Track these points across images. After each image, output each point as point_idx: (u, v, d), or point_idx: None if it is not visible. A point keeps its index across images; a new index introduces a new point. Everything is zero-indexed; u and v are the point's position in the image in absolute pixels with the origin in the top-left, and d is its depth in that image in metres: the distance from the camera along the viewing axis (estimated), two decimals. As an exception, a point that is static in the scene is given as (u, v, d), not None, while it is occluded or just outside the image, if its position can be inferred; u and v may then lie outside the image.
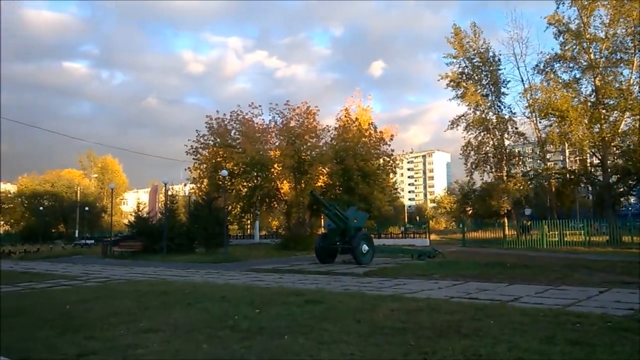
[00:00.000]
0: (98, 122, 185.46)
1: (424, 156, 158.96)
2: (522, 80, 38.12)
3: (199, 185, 38.16)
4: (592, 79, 33.37)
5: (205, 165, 37.03)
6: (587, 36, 33.02)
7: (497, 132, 39.05)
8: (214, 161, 36.11)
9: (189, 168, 38.66)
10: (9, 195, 72.84)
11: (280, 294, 9.40)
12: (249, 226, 50.32)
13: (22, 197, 70.06)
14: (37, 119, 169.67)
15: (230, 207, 34.70)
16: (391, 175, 42.99)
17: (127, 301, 8.89)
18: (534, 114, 36.66)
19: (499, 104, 39.45)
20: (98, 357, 4.99)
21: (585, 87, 34.71)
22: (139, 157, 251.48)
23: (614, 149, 33.93)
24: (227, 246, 26.89)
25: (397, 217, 69.90)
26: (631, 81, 32.57)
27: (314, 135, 35.90)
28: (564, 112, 31.78)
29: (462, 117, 39.25)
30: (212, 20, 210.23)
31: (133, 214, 33.35)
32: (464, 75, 39.06)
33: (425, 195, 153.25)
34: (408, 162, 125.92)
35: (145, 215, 32.54)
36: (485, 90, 39.13)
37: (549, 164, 42.30)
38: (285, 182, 36.57)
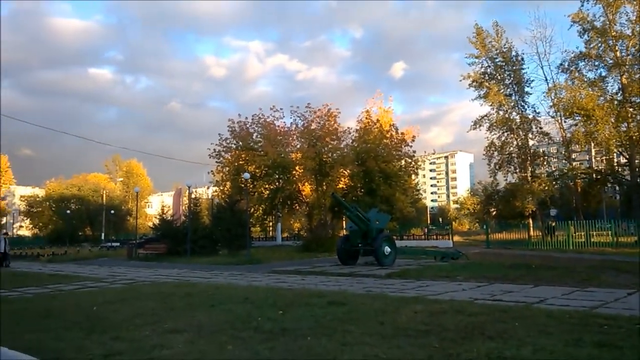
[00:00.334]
0: (123, 127, 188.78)
1: (446, 157, 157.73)
2: (546, 80, 37.72)
3: (221, 188, 38.50)
4: (619, 77, 32.78)
5: (227, 168, 37.38)
6: (612, 33, 32.45)
7: (521, 132, 38.48)
8: (236, 164, 36.43)
9: (212, 171, 39.18)
10: (38, 199, 74.45)
11: (302, 295, 9.41)
12: (271, 228, 50.53)
13: (49, 201, 71.54)
14: (65, 124, 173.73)
15: (252, 209, 34.94)
16: (413, 176, 42.80)
17: (152, 302, 9.00)
18: (558, 114, 36.19)
19: (522, 103, 38.97)
20: (124, 358, 5.07)
21: (612, 86, 34.20)
22: (163, 160, 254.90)
23: (642, 147, 33.23)
24: (249, 248, 27.07)
25: (420, 219, 69.25)
26: (659, 78, 31.93)
27: (335, 137, 35.94)
28: (589, 111, 31.26)
29: (485, 118, 38.84)
30: (233, 24, 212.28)
31: (157, 216, 33.78)
32: (486, 75, 38.64)
33: (447, 196, 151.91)
34: (430, 163, 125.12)
35: (169, 218, 32.93)
36: (509, 90, 38.66)
37: (574, 163, 41.67)
38: (306, 184, 36.68)
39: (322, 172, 34.60)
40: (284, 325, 6.25)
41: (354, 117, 60.48)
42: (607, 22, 32.56)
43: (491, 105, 38.05)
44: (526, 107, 39.00)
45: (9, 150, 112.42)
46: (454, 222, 72.82)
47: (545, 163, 41.29)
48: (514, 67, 38.44)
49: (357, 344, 5.21)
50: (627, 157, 33.43)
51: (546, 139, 39.86)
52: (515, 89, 38.59)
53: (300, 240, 38.48)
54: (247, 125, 37.11)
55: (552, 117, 37.14)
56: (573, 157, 42.00)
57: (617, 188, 42.92)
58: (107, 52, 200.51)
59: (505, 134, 38.64)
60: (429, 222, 78.18)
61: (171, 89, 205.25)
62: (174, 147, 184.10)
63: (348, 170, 34.83)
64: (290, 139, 37.19)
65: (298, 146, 36.69)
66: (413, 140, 38.70)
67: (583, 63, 34.49)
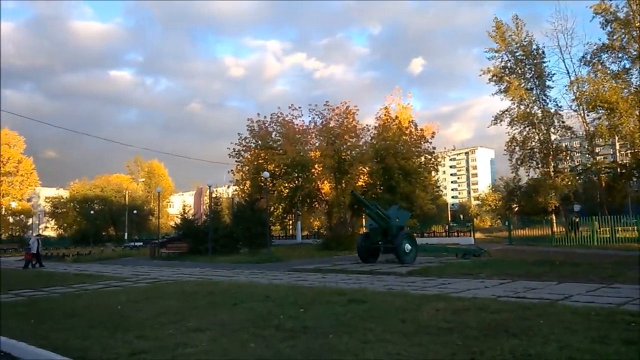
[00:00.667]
0: (144, 128, 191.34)
1: (466, 153, 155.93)
2: (568, 73, 37.02)
3: (241, 187, 38.68)
4: (644, 69, 32.07)
5: (247, 167, 37.52)
6: (636, 24, 31.75)
7: (542, 127, 37.82)
8: (255, 163, 36.54)
9: (231, 170, 39.27)
10: (62, 200, 75.79)
11: (323, 293, 9.43)
12: (290, 226, 50.64)
13: (73, 202, 72.71)
14: (87, 126, 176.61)
15: (272, 208, 35.03)
16: (433, 173, 42.41)
17: (175, 301, 9.11)
18: (581, 107, 35.56)
19: (544, 97, 38.26)
20: (149, 356, 5.14)
21: (636, 78, 33.46)
22: (183, 160, 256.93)
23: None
24: (270, 246, 27.19)
25: (440, 216, 68.87)
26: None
27: (353, 134, 35.81)
28: (613, 103, 30.69)
29: (506, 112, 38.24)
30: (251, 24, 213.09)
31: (179, 216, 34.15)
32: (506, 70, 38.08)
33: (468, 192, 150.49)
34: (450, 160, 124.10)
35: (190, 218, 33.27)
36: (530, 84, 38.05)
37: (598, 158, 40.86)
38: (325, 182, 36.63)
39: (341, 170, 34.53)
40: (305, 324, 6.28)
41: (372, 115, 60.18)
42: (631, 13, 31.87)
43: (512, 99, 37.49)
44: (548, 101, 38.33)
45: (34, 153, 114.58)
46: (475, 219, 72.12)
47: (568, 158, 40.54)
48: (535, 61, 37.79)
49: (379, 341, 5.20)
50: (653, 150, 32.80)
51: (569, 133, 39.15)
52: (537, 82, 37.96)
53: (320, 238, 38.53)
54: (266, 125, 37.20)
55: (575, 110, 36.53)
56: (597, 151, 41.13)
57: (643, 182, 42.01)
58: (127, 54, 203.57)
59: (527, 128, 38.03)
60: (449, 219, 77.68)
61: (191, 89, 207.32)
62: (194, 147, 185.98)
63: (367, 168, 34.65)
64: (309, 137, 37.16)
65: (317, 144, 36.64)
66: (433, 137, 38.34)
67: (606, 55, 33.86)
